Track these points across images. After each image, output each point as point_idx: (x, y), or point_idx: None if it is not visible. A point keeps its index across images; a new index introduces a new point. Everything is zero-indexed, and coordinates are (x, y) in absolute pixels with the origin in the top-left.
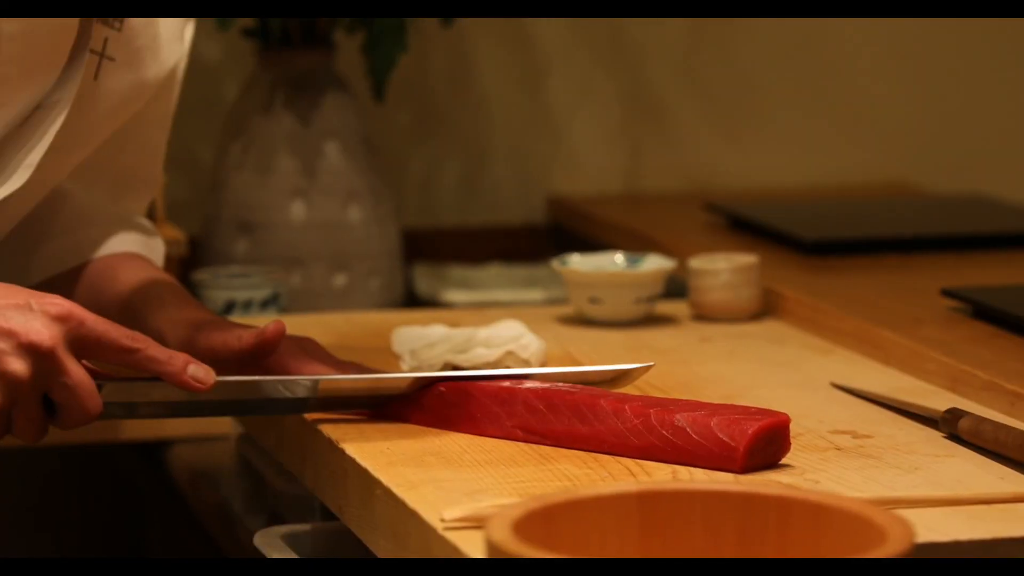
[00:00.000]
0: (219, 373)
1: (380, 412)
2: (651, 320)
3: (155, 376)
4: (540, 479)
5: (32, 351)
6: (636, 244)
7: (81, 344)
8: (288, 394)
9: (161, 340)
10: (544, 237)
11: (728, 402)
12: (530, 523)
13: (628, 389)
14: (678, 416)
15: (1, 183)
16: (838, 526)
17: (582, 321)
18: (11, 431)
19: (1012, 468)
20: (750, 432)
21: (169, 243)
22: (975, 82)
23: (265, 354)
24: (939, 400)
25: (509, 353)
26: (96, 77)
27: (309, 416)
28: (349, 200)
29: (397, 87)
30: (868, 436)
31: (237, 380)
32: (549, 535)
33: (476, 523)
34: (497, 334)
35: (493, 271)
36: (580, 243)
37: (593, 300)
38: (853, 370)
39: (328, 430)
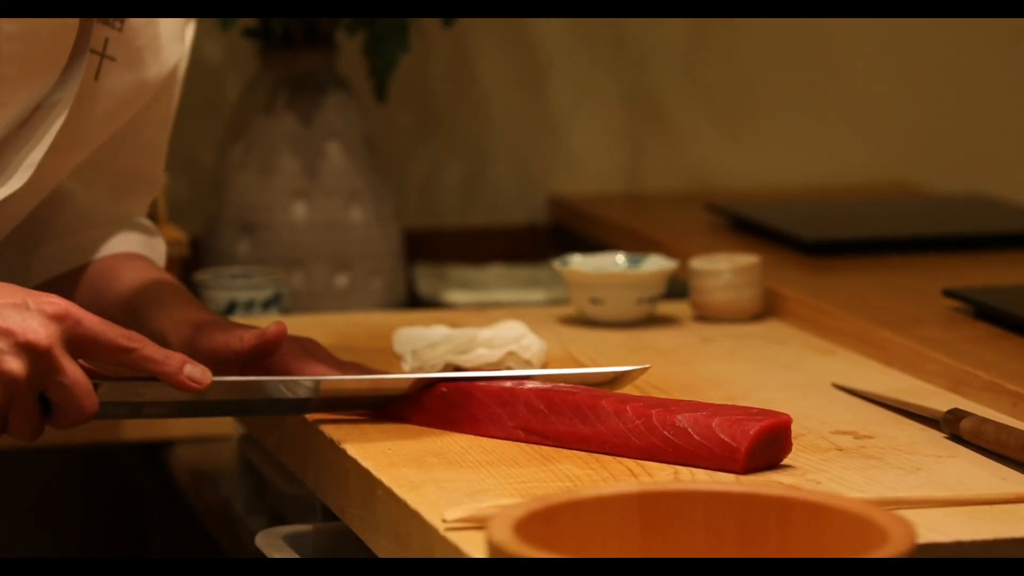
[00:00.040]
0: (221, 373)
1: (381, 412)
2: (652, 321)
3: (151, 376)
4: (541, 480)
5: (29, 350)
6: (637, 244)
7: (78, 343)
8: (290, 395)
9: (163, 340)
10: (545, 237)
11: (729, 403)
12: (531, 524)
13: (629, 389)
14: (680, 417)
15: (1, 183)
16: (839, 527)
17: (583, 322)
18: (7, 430)
19: (1013, 469)
20: (751, 433)
21: (171, 243)
22: (976, 82)
23: (266, 355)
24: (940, 401)
25: (511, 354)
26: (97, 77)
27: (311, 417)
28: (351, 200)
29: (399, 87)
30: (869, 437)
31: (238, 380)
32: (550, 536)
33: (478, 524)
34: (498, 335)
35: (494, 272)
36: (581, 243)
37: (594, 300)
38: (854, 371)
39: (330, 431)
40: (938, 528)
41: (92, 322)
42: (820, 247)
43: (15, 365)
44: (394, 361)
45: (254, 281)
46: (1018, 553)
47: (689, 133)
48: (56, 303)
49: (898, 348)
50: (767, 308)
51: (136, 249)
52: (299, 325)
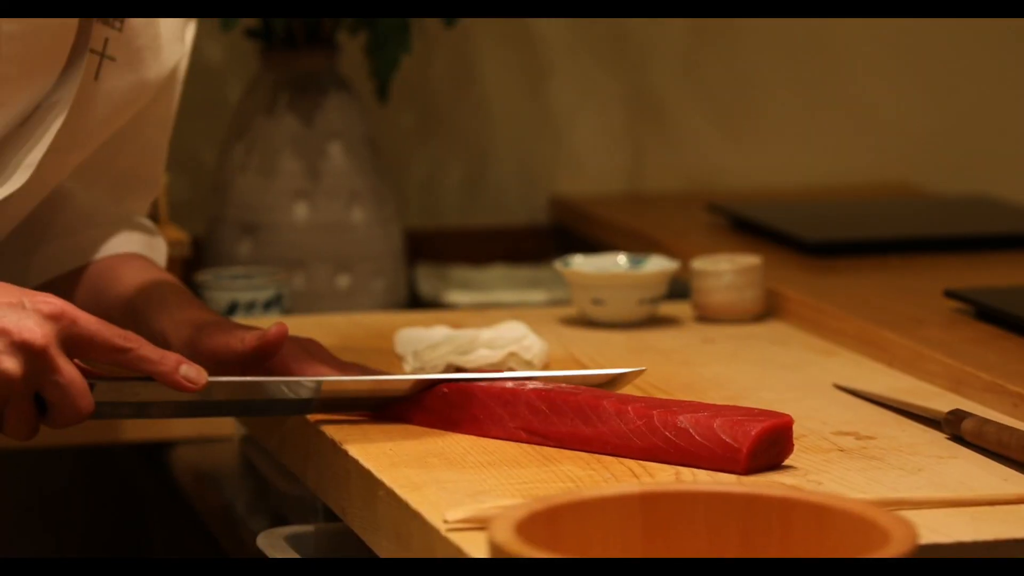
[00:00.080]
0: (222, 374)
1: (383, 413)
2: (654, 321)
3: (147, 376)
4: (543, 480)
5: (25, 349)
6: (639, 245)
7: (73, 343)
8: (291, 395)
9: (164, 341)
10: (547, 238)
11: (731, 403)
12: (533, 524)
13: (630, 390)
14: (681, 417)
15: (1, 183)
16: (841, 527)
17: (585, 322)
18: (2, 430)
19: (1015, 469)
20: (753, 433)
21: (172, 244)
22: (978, 83)
23: (267, 356)
24: (942, 401)
25: (512, 354)
26: (97, 77)
27: (312, 417)
28: (352, 201)
29: (400, 88)
30: (871, 437)
31: (239, 381)
32: (552, 536)
33: (479, 524)
34: (500, 335)
35: (496, 272)
36: (583, 244)
37: (596, 301)
38: (856, 371)
39: (331, 431)
40: (940, 529)
41: (88, 322)
42: (821, 248)
43: (11, 364)
44: (395, 362)
45: (255, 282)
46: (1020, 554)
47: (690, 133)
48: (52, 302)
49: (899, 349)
50: (768, 309)
51: (137, 249)
52: (300, 326)
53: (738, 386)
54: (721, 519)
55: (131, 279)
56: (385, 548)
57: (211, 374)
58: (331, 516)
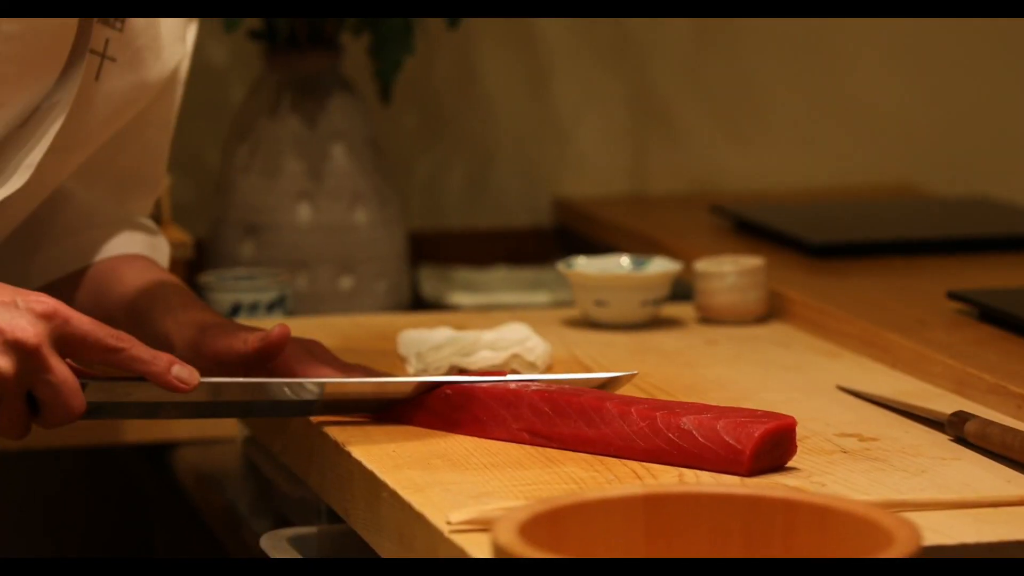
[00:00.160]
0: (225, 376)
1: (386, 415)
2: (657, 323)
3: (140, 376)
4: (546, 482)
5: (17, 348)
6: (642, 247)
7: (66, 342)
8: (294, 397)
9: (167, 343)
10: (550, 240)
11: (734, 405)
12: (536, 526)
13: (635, 392)
14: (684, 419)
15: (1, 183)
16: (844, 529)
17: (588, 324)
18: None
19: (1019, 471)
20: (756, 435)
21: (175, 245)
22: (981, 84)
23: (270, 357)
24: (945, 403)
25: (515, 356)
26: (97, 78)
27: (315, 419)
28: (355, 202)
29: (403, 89)
30: (874, 439)
31: (242, 382)
32: (555, 538)
33: (482, 526)
34: (503, 337)
35: (499, 274)
36: (586, 246)
37: (599, 303)
38: (859, 373)
39: (334, 433)
40: (943, 530)
41: (81, 321)
42: (824, 249)
43: (3, 363)
44: (398, 363)
45: (258, 283)
46: (1023, 555)
47: (693, 135)
48: (45, 302)
49: (902, 350)
50: (771, 310)
51: (139, 250)
52: (303, 327)
53: (741, 388)
54: (724, 521)
55: (133, 280)
56: (388, 550)
57: (214, 375)
58: (334, 518)
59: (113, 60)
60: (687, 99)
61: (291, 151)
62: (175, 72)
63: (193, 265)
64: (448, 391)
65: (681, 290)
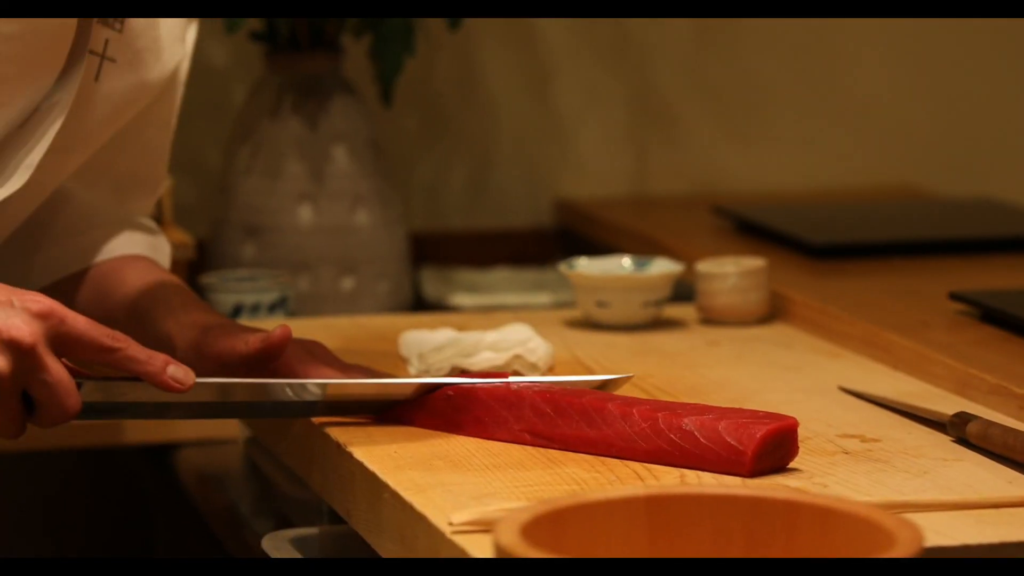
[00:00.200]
0: (227, 376)
1: (387, 416)
2: (659, 324)
3: (135, 376)
4: (548, 483)
5: (12, 347)
6: (643, 248)
7: (61, 342)
8: (295, 398)
9: (169, 344)
10: (551, 241)
11: (736, 406)
12: (538, 527)
13: (636, 393)
14: (686, 420)
15: (1, 184)
16: (846, 530)
17: (589, 325)
18: None
19: (1020, 472)
20: (758, 436)
21: (176, 246)
22: (983, 85)
23: (272, 358)
24: (947, 404)
25: (517, 357)
26: (97, 78)
27: (316, 420)
28: (357, 204)
29: (404, 91)
30: (876, 440)
31: (243, 383)
32: (557, 539)
33: (484, 527)
34: (504, 338)
35: (500, 275)
36: (587, 247)
37: (600, 304)
38: (861, 374)
39: (335, 434)
40: (945, 531)
41: (76, 321)
42: (826, 250)
43: None
44: (400, 364)
45: (260, 284)
46: None
47: (695, 136)
48: (40, 301)
49: (904, 351)
50: (773, 311)
51: (140, 251)
52: (305, 328)
53: (743, 388)
54: (726, 522)
55: (135, 281)
56: (390, 551)
57: (216, 376)
58: (336, 519)
59: (113, 61)
60: (688, 100)
61: (292, 152)
62: (175, 73)
63: (194, 266)
64: (450, 392)
65: (682, 291)
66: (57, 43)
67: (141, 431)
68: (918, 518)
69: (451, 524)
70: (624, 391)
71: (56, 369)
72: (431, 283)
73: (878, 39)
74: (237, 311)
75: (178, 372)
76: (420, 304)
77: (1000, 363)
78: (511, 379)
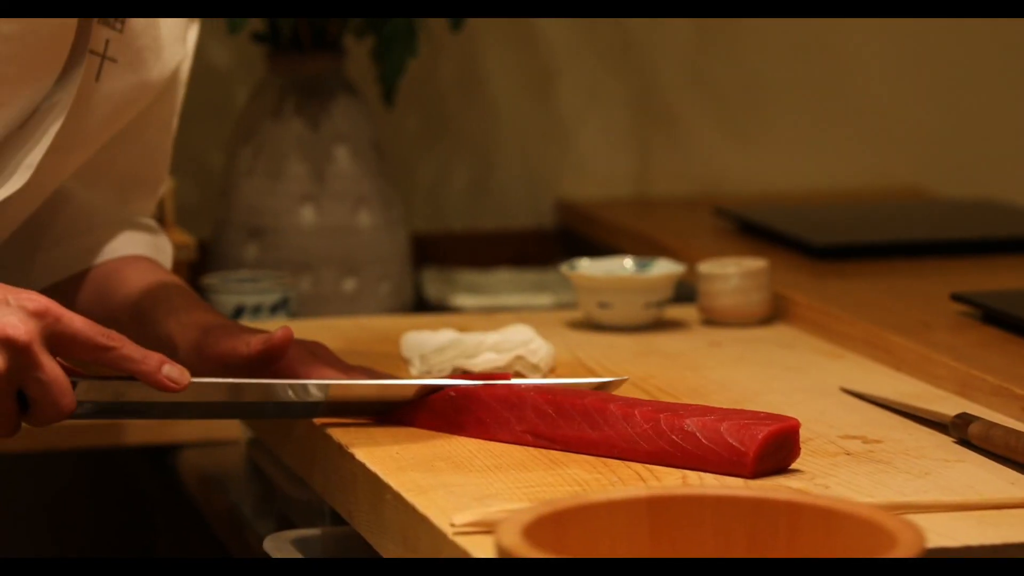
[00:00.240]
0: (229, 377)
1: (389, 417)
2: (660, 325)
3: (130, 375)
4: (550, 484)
5: (8, 345)
6: (645, 249)
7: (57, 340)
8: (297, 399)
9: (171, 344)
10: (553, 242)
11: (738, 407)
12: (540, 528)
13: (637, 394)
14: (688, 421)
15: (1, 184)
16: (848, 531)
17: (591, 326)
18: None
19: (1022, 473)
20: (760, 437)
21: (178, 248)
22: (986, 86)
23: (274, 359)
24: (949, 405)
25: (518, 358)
26: (97, 78)
27: (318, 421)
28: (359, 205)
29: (407, 92)
30: (878, 441)
31: (245, 383)
32: (559, 540)
33: (486, 528)
34: (506, 339)
35: (502, 276)
36: (589, 248)
37: (602, 305)
38: (863, 375)
39: (337, 435)
40: (946, 532)
41: (72, 320)
42: (828, 251)
43: None
44: (402, 365)
45: (262, 285)
46: None
47: (697, 137)
48: (36, 300)
49: (906, 352)
50: (775, 312)
51: (141, 251)
52: (307, 329)
53: (744, 389)
54: (728, 523)
55: (136, 282)
56: (392, 552)
57: (217, 377)
58: (338, 520)
59: (113, 61)
60: (690, 101)
61: (294, 153)
62: (176, 73)
63: (196, 267)
64: (451, 393)
65: (684, 292)
66: (57, 43)
67: (143, 432)
68: (920, 519)
69: (453, 525)
70: (626, 392)
71: (51, 368)
72: (433, 284)
73: (880, 40)
74: (239, 312)
75: (173, 372)
76: (422, 305)
77: (1002, 364)
78: (513, 380)
